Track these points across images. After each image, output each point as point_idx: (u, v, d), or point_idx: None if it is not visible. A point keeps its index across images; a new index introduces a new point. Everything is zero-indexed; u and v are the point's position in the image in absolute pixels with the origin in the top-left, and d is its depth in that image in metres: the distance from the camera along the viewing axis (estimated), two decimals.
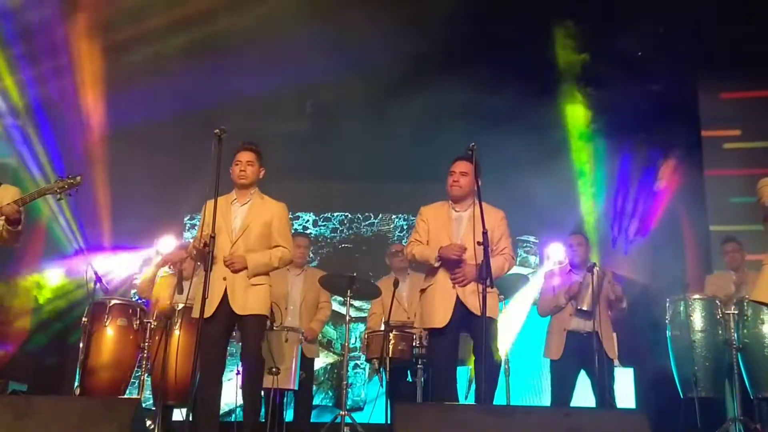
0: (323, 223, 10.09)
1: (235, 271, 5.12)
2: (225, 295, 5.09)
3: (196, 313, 4.95)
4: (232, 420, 6.76)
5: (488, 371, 4.87)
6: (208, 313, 4.93)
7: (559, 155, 8.45)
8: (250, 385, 5.20)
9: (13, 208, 4.93)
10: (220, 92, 7.97)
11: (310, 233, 9.83)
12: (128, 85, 7.83)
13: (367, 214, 10.13)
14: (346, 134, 8.70)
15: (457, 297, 5.12)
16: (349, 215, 10.14)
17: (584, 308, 6.24)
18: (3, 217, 4.96)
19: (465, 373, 5.96)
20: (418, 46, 7.35)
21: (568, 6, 7.58)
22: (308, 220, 10.10)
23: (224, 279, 5.11)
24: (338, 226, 10.11)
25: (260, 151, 5.40)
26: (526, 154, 7.84)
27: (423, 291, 5.38)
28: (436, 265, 5.23)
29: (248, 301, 5.13)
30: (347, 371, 6.21)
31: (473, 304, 5.02)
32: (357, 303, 7.93)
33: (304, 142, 8.82)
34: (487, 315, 4.92)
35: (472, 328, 5.16)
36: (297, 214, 9.98)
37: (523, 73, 7.70)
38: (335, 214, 10.12)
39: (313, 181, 9.63)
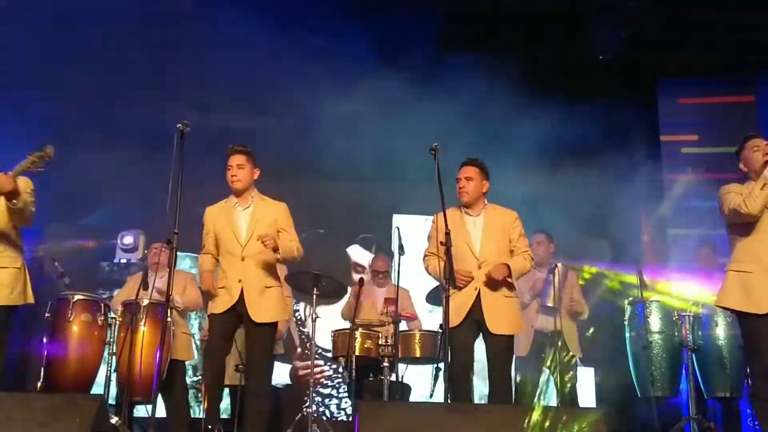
0: None
1: (273, 249, 5.12)
2: (241, 297, 5.15)
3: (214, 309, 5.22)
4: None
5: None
6: (221, 309, 5.14)
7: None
8: (254, 400, 5.18)
9: (3, 179, 4.75)
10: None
11: None
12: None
13: None
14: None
15: (477, 304, 5.14)
16: None
17: (549, 305, 6.32)
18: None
19: (431, 370, 5.99)
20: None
21: (528, 8, 7.67)
22: None
23: (239, 281, 5.16)
24: None
25: (250, 152, 5.38)
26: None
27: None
28: (452, 286, 5.14)
29: (262, 306, 5.17)
30: (313, 369, 6.26)
31: (489, 321, 5.10)
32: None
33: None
34: (507, 332, 5.15)
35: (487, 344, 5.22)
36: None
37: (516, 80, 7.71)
38: None
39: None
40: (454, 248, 5.16)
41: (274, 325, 5.30)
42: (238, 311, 5.16)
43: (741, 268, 4.78)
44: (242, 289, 5.15)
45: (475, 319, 5.14)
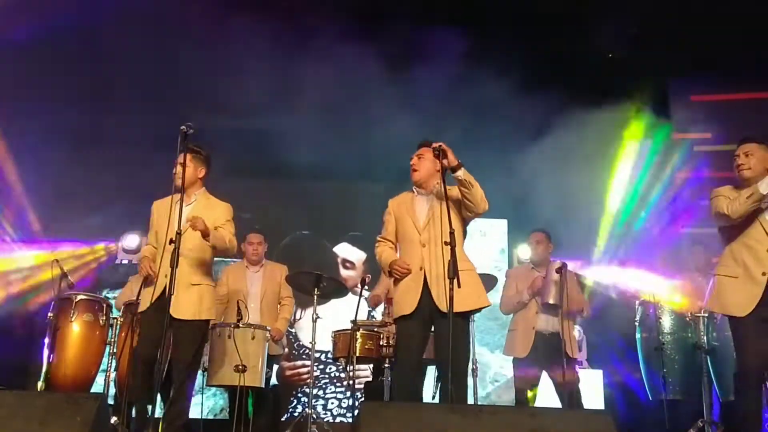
0: None
1: (196, 228, 5.09)
2: (164, 291, 5.01)
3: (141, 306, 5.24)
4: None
5: (453, 374, 4.62)
6: (143, 307, 5.16)
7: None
8: (176, 394, 5.16)
9: None
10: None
11: None
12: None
13: None
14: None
15: (425, 288, 4.85)
16: None
17: (550, 301, 6.20)
18: None
19: (433, 371, 5.92)
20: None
21: (538, 5, 7.60)
22: None
23: (165, 276, 5.00)
24: None
25: (197, 151, 5.41)
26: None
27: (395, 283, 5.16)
28: (388, 276, 5.15)
29: (183, 301, 5.12)
30: (313, 369, 6.21)
31: (441, 299, 4.74)
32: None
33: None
34: (460, 310, 4.65)
35: (438, 325, 4.85)
36: None
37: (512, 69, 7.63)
38: None
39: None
40: (401, 229, 5.11)
41: (197, 323, 5.23)
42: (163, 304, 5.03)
43: (727, 273, 4.89)
44: (166, 284, 5.00)
45: (427, 306, 4.83)
